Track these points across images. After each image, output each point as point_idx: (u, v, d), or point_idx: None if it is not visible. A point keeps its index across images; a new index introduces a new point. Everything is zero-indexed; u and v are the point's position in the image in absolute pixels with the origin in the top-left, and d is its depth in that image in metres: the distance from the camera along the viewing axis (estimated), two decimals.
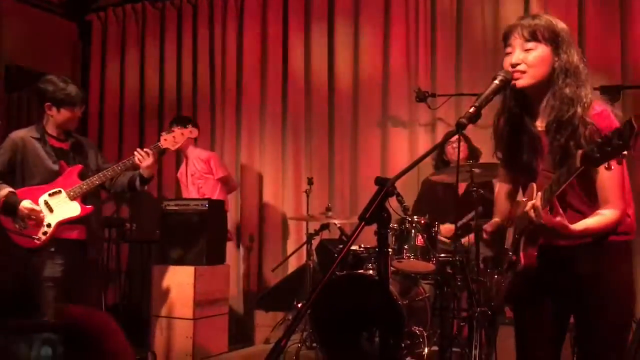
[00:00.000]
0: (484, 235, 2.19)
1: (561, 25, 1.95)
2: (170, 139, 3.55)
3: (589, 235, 1.87)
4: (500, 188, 2.26)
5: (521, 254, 1.92)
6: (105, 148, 6.36)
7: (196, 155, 5.12)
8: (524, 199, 1.96)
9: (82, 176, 3.46)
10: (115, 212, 5.21)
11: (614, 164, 1.54)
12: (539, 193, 1.78)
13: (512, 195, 2.19)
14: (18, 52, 5.96)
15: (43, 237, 3.32)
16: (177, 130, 3.60)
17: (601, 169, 1.75)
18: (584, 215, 1.89)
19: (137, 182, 3.56)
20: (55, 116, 3.44)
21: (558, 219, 1.78)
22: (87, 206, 3.43)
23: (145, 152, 3.49)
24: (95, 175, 3.44)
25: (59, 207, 3.37)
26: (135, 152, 3.50)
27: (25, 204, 3.29)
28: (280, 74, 5.58)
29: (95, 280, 3.68)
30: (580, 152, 1.61)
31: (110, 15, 6.49)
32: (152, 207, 5.81)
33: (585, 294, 1.94)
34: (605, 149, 1.52)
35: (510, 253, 2.02)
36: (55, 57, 6.30)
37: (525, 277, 1.96)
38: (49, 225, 3.34)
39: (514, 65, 1.91)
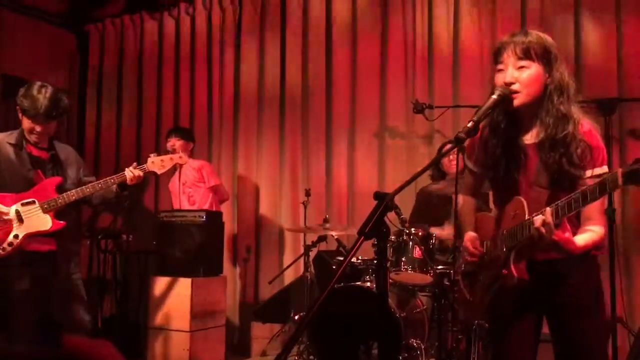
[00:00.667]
0: (468, 257, 2.16)
1: (550, 41, 1.98)
2: (158, 163, 3.44)
3: (583, 250, 1.93)
4: (466, 200, 2.29)
5: (512, 268, 1.93)
6: (102, 158, 6.36)
7: (188, 164, 5.12)
8: (512, 213, 1.96)
9: (60, 189, 3.32)
10: (111, 224, 5.19)
11: None
12: (548, 209, 1.79)
13: (477, 208, 2.25)
14: (16, 62, 5.97)
15: (8, 248, 3.19)
16: (166, 156, 3.49)
17: None
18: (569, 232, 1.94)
19: (114, 189, 3.40)
20: (22, 121, 3.34)
21: (567, 234, 1.82)
22: (59, 221, 3.27)
23: (138, 172, 3.36)
24: (73, 190, 3.29)
25: (30, 219, 3.23)
26: (128, 171, 3.35)
27: None
28: (278, 85, 5.59)
29: (76, 296, 3.43)
30: (620, 170, 1.60)
31: (109, 26, 6.51)
32: (148, 219, 5.80)
33: (567, 307, 2.01)
34: None
35: (495, 267, 2.03)
36: (54, 67, 6.32)
37: (516, 291, 1.97)
38: (16, 237, 3.20)
39: (507, 84, 1.93)
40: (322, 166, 5.34)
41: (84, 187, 3.32)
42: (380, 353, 3.20)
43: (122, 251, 5.16)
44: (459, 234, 2.31)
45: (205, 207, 4.96)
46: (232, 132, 5.78)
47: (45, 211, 3.24)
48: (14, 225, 3.21)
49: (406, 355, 3.67)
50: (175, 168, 4.65)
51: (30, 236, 3.23)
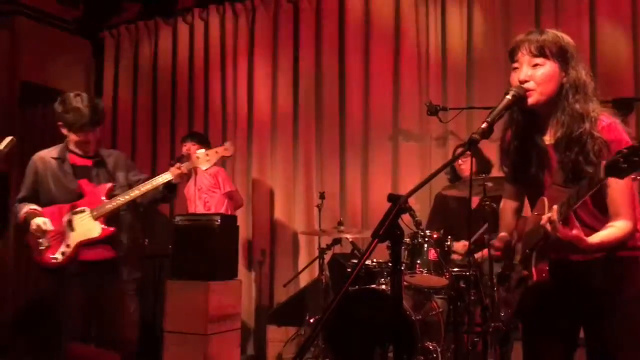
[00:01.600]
0: (493, 251, 2.17)
1: (567, 39, 1.96)
2: (203, 158, 3.31)
3: (603, 249, 1.86)
4: (505, 203, 2.26)
5: (533, 269, 1.91)
6: None
7: (203, 170, 5.11)
8: (534, 213, 1.95)
9: (111, 195, 3.31)
10: None
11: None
12: (555, 206, 1.77)
13: (517, 211, 2.20)
14: (33, 69, 6.05)
15: (60, 257, 3.21)
16: (212, 149, 3.39)
17: (613, 182, 1.78)
18: (594, 231, 1.88)
19: (161, 189, 3.33)
20: (69, 136, 3.35)
21: (574, 232, 1.78)
22: (109, 227, 3.26)
23: (184, 169, 3.28)
24: (121, 196, 3.28)
25: (80, 227, 3.24)
26: (174, 169, 3.27)
27: (37, 220, 3.21)
28: (291, 88, 5.60)
29: (131, 303, 3.51)
30: (604, 162, 1.60)
31: (124, 32, 6.57)
32: (164, 222, 5.83)
33: (598, 310, 1.93)
34: (632, 159, 1.51)
35: (521, 268, 2.01)
36: (70, 74, 6.40)
37: (537, 292, 1.95)
38: (68, 246, 3.23)
39: (522, 82, 1.91)
40: (336, 169, 5.34)
41: (129, 191, 3.28)
42: (396, 356, 3.19)
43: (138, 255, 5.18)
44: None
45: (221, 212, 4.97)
46: (246, 136, 5.79)
47: (95, 218, 3.24)
48: (67, 234, 3.24)
49: (422, 358, 3.65)
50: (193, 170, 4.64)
51: (82, 244, 3.23)
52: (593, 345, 1.97)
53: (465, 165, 4.13)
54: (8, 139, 3.17)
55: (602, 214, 1.91)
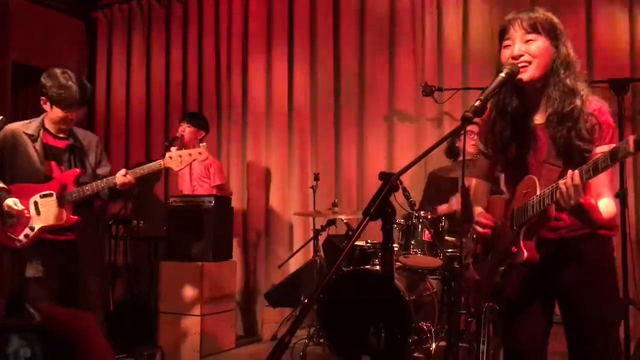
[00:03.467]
0: (481, 229, 2.14)
1: (556, 19, 1.99)
2: (176, 159, 3.29)
3: (601, 226, 1.90)
4: (477, 184, 2.29)
5: (522, 246, 1.91)
6: (112, 146, 6.37)
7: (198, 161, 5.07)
8: (523, 192, 1.95)
9: (78, 182, 3.31)
10: (122, 209, 5.21)
11: None
12: (576, 171, 1.74)
13: (489, 191, 2.24)
14: (25, 50, 5.98)
15: (24, 240, 3.21)
16: (185, 152, 3.35)
17: None
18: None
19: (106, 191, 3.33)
20: (49, 112, 3.30)
21: (593, 201, 1.80)
22: (74, 216, 3.27)
23: (126, 176, 3.25)
24: (88, 186, 3.26)
25: (46, 212, 3.23)
26: (117, 177, 3.26)
27: (9, 201, 3.18)
28: (286, 70, 5.56)
29: (94, 279, 3.43)
30: (632, 137, 1.60)
31: (116, 12, 6.50)
32: (158, 204, 5.82)
33: (577, 287, 1.98)
34: None
35: (504, 246, 2.01)
36: (62, 54, 6.32)
37: (522, 270, 1.97)
38: (32, 229, 3.22)
39: (516, 57, 1.92)
40: (331, 150, 5.32)
41: (97, 182, 3.28)
42: (390, 336, 3.21)
43: (132, 237, 5.18)
44: (468, 215, 2.30)
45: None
46: (241, 116, 5.76)
47: (61, 205, 3.24)
48: (32, 217, 3.23)
49: (416, 337, 3.68)
50: (171, 145, 4.55)
51: (45, 229, 3.24)
52: (570, 322, 2.03)
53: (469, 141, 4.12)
54: None
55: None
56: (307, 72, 5.45)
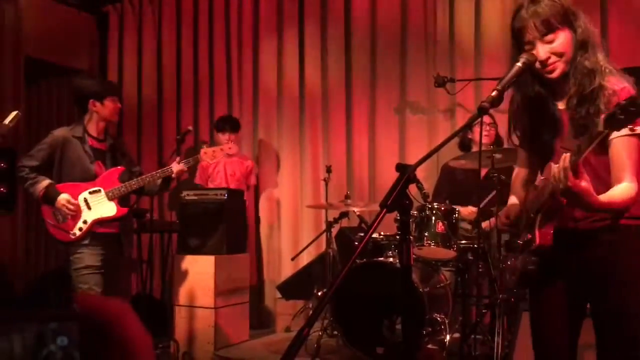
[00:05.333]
0: (503, 219, 2.15)
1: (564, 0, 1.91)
2: (210, 154, 3.67)
3: (609, 210, 1.83)
4: (518, 172, 2.22)
5: (536, 232, 1.89)
6: (125, 139, 6.40)
7: (241, 159, 5.31)
8: (542, 178, 1.92)
9: (122, 178, 3.59)
10: (135, 203, 5.22)
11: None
12: (566, 155, 1.72)
13: (528, 179, 2.15)
14: (37, 45, 6.01)
15: (78, 233, 3.46)
16: (217, 148, 3.72)
17: (617, 143, 1.79)
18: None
19: (158, 183, 3.70)
20: (100, 111, 3.57)
21: (584, 183, 1.73)
22: (123, 208, 3.57)
23: (182, 165, 3.62)
24: (134, 180, 3.57)
25: (97, 206, 3.51)
26: (173, 166, 3.61)
27: (64, 196, 3.44)
28: (297, 62, 5.55)
29: (127, 273, 3.86)
30: (602, 115, 1.58)
31: (127, 5, 6.51)
32: (172, 197, 5.85)
33: (601, 279, 1.91)
34: (629, 109, 1.49)
35: (525, 233, 1.99)
36: (74, 49, 6.36)
37: (540, 257, 1.92)
38: (85, 222, 3.48)
39: (545, 61, 1.88)
40: (343, 143, 5.32)
41: (143, 176, 3.60)
42: (404, 328, 3.21)
43: (146, 230, 5.21)
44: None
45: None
46: (252, 110, 5.77)
47: (110, 199, 3.53)
48: (83, 212, 3.49)
49: (430, 329, 3.68)
50: (183, 140, 4.72)
51: (97, 222, 3.51)
52: (598, 316, 1.95)
53: (483, 134, 4.10)
54: (13, 113, 3.19)
55: (608, 181, 1.86)
56: (319, 64, 5.44)
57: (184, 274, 4.55)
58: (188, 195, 4.73)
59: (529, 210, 1.98)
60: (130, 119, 6.41)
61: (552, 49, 1.88)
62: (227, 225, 4.56)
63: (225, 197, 4.58)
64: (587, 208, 1.82)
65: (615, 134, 1.74)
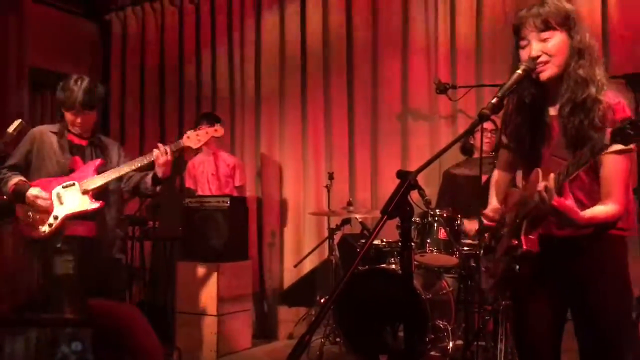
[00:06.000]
0: (486, 221, 2.17)
1: (569, 6, 1.95)
2: (194, 137, 3.36)
3: (592, 225, 1.87)
4: (498, 175, 2.26)
5: (522, 239, 1.90)
6: (126, 147, 6.41)
7: (223, 159, 5.22)
8: (525, 184, 1.94)
9: (100, 171, 3.35)
10: (137, 210, 5.25)
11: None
12: (552, 175, 1.76)
13: (509, 183, 2.20)
14: (41, 54, 6.04)
15: (47, 229, 3.24)
16: (203, 129, 3.40)
17: (608, 160, 1.83)
18: (586, 209, 1.87)
19: (149, 182, 3.39)
20: (64, 115, 3.42)
21: (568, 202, 1.76)
22: (97, 201, 3.29)
23: (165, 149, 3.30)
24: (110, 170, 3.31)
25: (69, 200, 3.26)
26: (155, 149, 3.32)
27: (33, 191, 3.23)
28: (299, 68, 5.57)
29: (115, 280, 3.50)
30: (609, 129, 1.59)
31: (130, 14, 6.55)
32: (174, 205, 5.85)
33: (584, 285, 1.94)
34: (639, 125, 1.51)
35: (509, 238, 1.99)
36: (77, 57, 6.38)
37: (526, 261, 1.94)
38: (55, 217, 3.25)
39: (534, 58, 1.89)
40: (345, 149, 5.32)
41: (120, 166, 3.34)
42: (407, 335, 3.20)
43: (148, 238, 5.22)
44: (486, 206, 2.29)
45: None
46: (254, 116, 5.78)
47: (83, 192, 3.27)
48: (55, 207, 3.26)
49: (433, 336, 3.67)
50: (195, 153, 4.64)
51: (69, 217, 3.26)
52: (579, 320, 1.99)
53: (487, 139, 4.11)
54: (17, 122, 3.20)
55: (597, 194, 1.90)
56: (320, 70, 5.45)
57: (187, 282, 4.55)
58: (190, 202, 4.74)
59: (515, 214, 1.99)
60: (132, 127, 6.44)
61: (544, 47, 1.90)
62: (229, 232, 4.57)
63: (228, 204, 4.59)
64: (570, 225, 1.84)
65: (610, 149, 1.74)
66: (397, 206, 1.51)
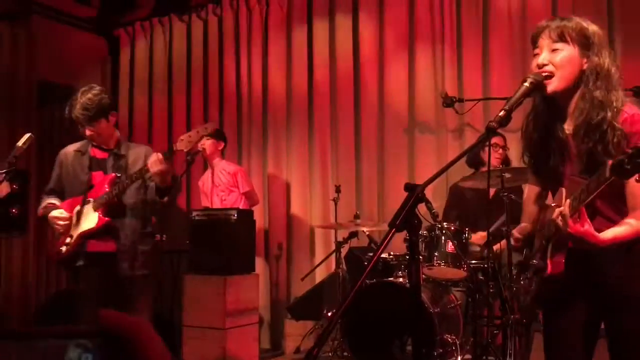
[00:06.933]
0: (513, 242, 2.16)
1: (593, 27, 1.92)
2: (186, 139, 3.18)
3: (616, 245, 1.82)
4: (530, 191, 2.22)
5: (548, 261, 1.89)
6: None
7: (222, 168, 5.18)
8: (552, 205, 1.92)
9: (114, 185, 3.25)
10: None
11: None
12: (568, 200, 1.75)
13: (541, 199, 2.14)
14: (49, 68, 6.10)
15: (64, 249, 3.24)
16: (194, 130, 3.24)
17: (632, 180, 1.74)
18: (614, 223, 1.84)
19: (154, 193, 3.25)
20: None
21: (585, 227, 1.74)
22: (104, 217, 3.21)
23: (157, 156, 3.16)
24: (116, 185, 3.22)
25: (84, 218, 3.24)
26: (148, 162, 3.17)
27: (54, 213, 3.27)
28: (306, 82, 5.59)
29: (137, 297, 3.32)
30: (610, 162, 1.57)
31: (138, 29, 6.61)
32: (181, 218, 5.86)
33: (614, 301, 1.90)
34: (636, 160, 1.47)
35: (537, 260, 1.98)
36: (86, 72, 6.43)
37: (553, 283, 1.92)
38: (70, 237, 3.25)
39: (540, 66, 1.89)
40: (352, 162, 5.33)
41: (123, 180, 3.21)
42: (415, 348, 3.18)
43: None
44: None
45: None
46: (261, 130, 5.80)
47: (95, 209, 3.23)
48: (72, 226, 3.27)
49: (441, 350, 3.64)
50: (193, 161, 4.51)
51: (83, 236, 3.22)
52: (613, 336, 1.94)
53: (495, 153, 4.12)
54: (26, 136, 3.21)
55: (622, 207, 1.86)
56: (327, 84, 5.48)
57: (194, 295, 4.54)
58: (198, 215, 4.74)
59: (541, 235, 1.97)
60: (141, 141, 6.46)
61: (552, 57, 1.89)
62: (236, 245, 4.56)
63: (235, 217, 4.58)
64: (592, 247, 1.81)
65: None
66: (405, 219, 1.50)
